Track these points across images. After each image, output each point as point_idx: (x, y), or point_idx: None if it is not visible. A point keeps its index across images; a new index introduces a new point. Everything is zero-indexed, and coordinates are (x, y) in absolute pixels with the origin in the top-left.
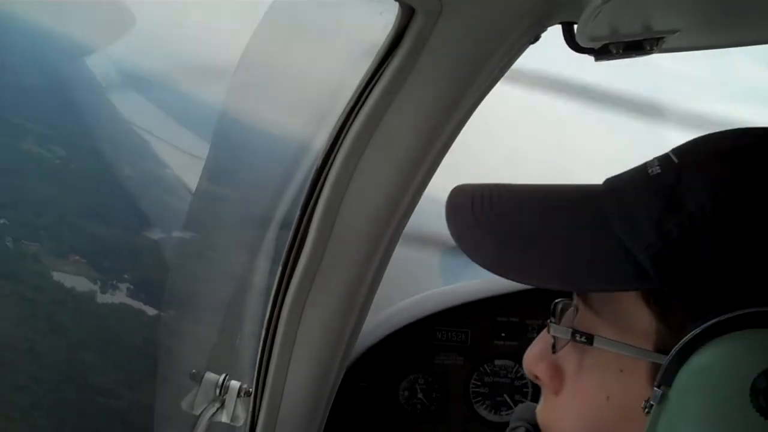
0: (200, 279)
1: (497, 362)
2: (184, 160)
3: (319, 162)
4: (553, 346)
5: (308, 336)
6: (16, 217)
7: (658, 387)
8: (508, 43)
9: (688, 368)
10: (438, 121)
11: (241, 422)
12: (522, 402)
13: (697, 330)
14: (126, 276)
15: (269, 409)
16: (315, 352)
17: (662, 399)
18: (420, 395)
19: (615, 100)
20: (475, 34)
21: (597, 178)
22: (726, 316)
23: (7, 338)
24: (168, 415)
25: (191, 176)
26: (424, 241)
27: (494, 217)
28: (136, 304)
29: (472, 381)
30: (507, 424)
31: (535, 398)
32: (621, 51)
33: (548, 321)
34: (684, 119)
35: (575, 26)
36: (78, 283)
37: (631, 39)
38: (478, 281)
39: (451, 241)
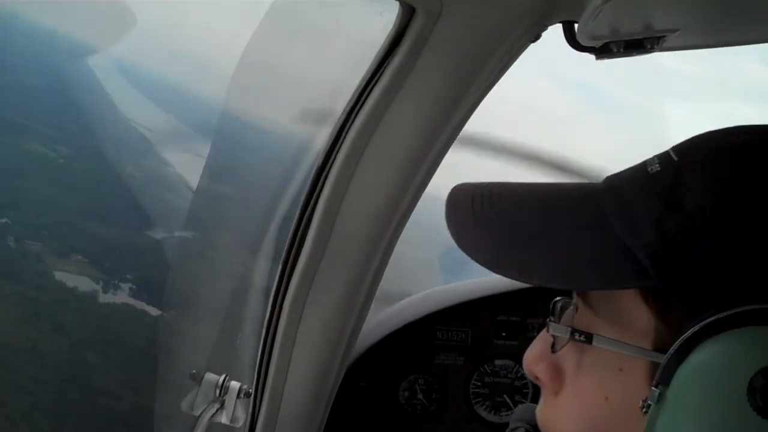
0: (201, 279)
1: (497, 362)
2: (185, 159)
3: (319, 161)
4: (553, 346)
5: (308, 336)
6: (18, 217)
7: (656, 386)
8: (509, 43)
9: (685, 367)
10: (438, 120)
11: (240, 423)
12: (522, 402)
13: (695, 328)
14: (128, 276)
15: (269, 410)
16: (315, 352)
17: (660, 398)
18: (420, 395)
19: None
20: (475, 33)
21: (597, 178)
22: (723, 314)
23: (8, 338)
24: (168, 416)
25: (193, 176)
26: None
27: (494, 216)
28: (139, 304)
29: (473, 381)
30: (507, 424)
31: (536, 399)
32: (622, 50)
33: (548, 320)
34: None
35: (576, 25)
36: (80, 282)
37: (631, 38)
38: (478, 280)
39: (451, 240)
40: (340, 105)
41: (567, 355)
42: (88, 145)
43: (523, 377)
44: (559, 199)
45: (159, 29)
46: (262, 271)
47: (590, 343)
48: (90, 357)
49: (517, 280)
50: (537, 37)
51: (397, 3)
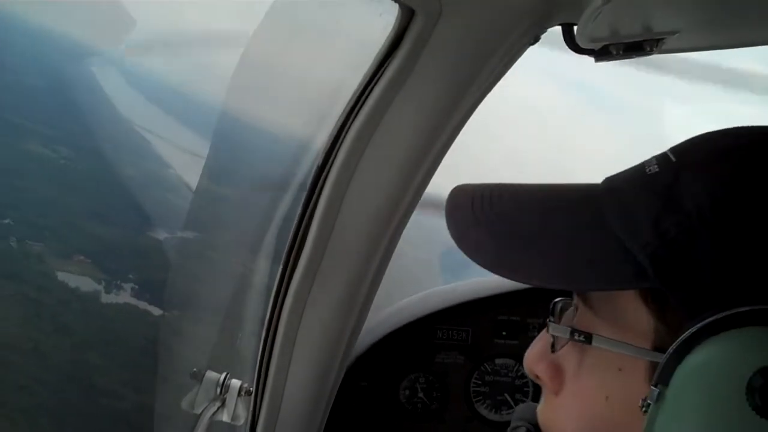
0: (202, 279)
1: (498, 361)
2: (186, 160)
3: (319, 162)
4: (553, 346)
5: (308, 335)
6: (21, 218)
7: (655, 386)
8: (508, 44)
9: (684, 367)
10: (438, 121)
11: (241, 421)
12: (522, 401)
13: (694, 328)
14: (130, 276)
15: (270, 409)
16: (315, 351)
17: (659, 398)
18: (420, 394)
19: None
20: (474, 34)
21: (597, 178)
22: (722, 315)
23: (10, 338)
24: (169, 414)
25: (194, 176)
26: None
27: (494, 217)
28: (140, 304)
29: (473, 380)
30: (507, 423)
31: (536, 397)
32: (621, 52)
33: (547, 320)
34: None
35: (575, 27)
36: (82, 283)
37: (631, 40)
38: (478, 280)
39: (452, 240)
40: (340, 105)
41: (567, 355)
42: (90, 146)
43: (523, 376)
44: (558, 200)
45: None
46: (263, 271)
47: (590, 343)
48: (92, 357)
49: (516, 280)
50: (536, 39)
51: (397, 4)
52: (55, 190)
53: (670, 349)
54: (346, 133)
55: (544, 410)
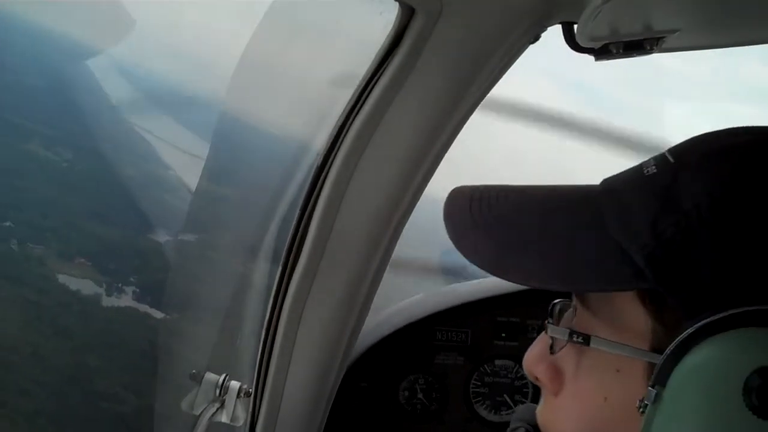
0: (202, 279)
1: (497, 362)
2: (186, 160)
3: (319, 161)
4: (551, 347)
5: (308, 336)
6: (21, 219)
7: (653, 387)
8: (508, 43)
9: (682, 367)
10: (438, 120)
11: (240, 422)
12: (522, 402)
13: (691, 329)
14: (131, 278)
15: (269, 410)
16: (315, 352)
17: (656, 399)
18: (420, 395)
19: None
20: (475, 33)
21: (596, 178)
22: (719, 315)
23: (11, 341)
24: (168, 416)
25: (194, 177)
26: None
27: (493, 219)
28: (141, 307)
29: (472, 381)
30: (507, 424)
31: (536, 398)
32: (621, 51)
33: (546, 322)
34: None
35: (575, 26)
36: (83, 285)
37: (631, 39)
38: (478, 281)
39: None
40: (339, 105)
41: (566, 356)
42: (91, 147)
43: (523, 377)
44: (557, 201)
45: (159, 30)
46: (263, 272)
47: (588, 344)
48: (92, 360)
49: (515, 282)
50: (536, 38)
51: (397, 3)
52: (56, 192)
53: (668, 350)
54: (346, 132)
55: (543, 411)
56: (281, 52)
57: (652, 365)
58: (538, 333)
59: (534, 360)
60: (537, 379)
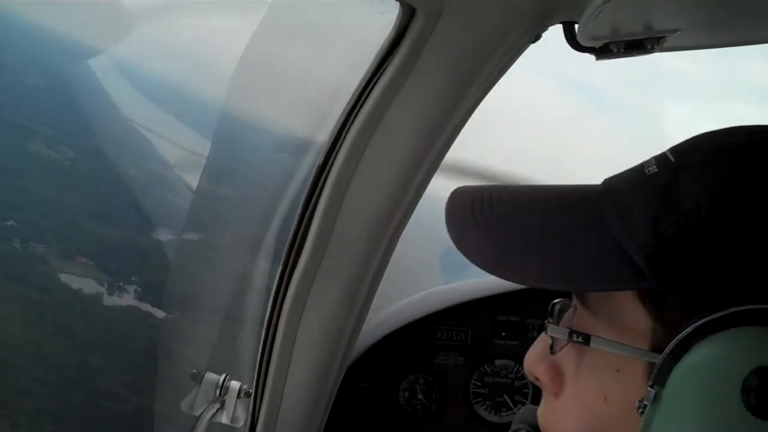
0: (202, 279)
1: (497, 362)
2: (187, 160)
3: (319, 161)
4: (552, 347)
5: (308, 336)
6: (22, 219)
7: (652, 386)
8: (509, 43)
9: (680, 367)
10: (438, 120)
11: (241, 423)
12: (522, 402)
13: (690, 329)
14: (133, 278)
15: (269, 410)
16: (315, 352)
17: (656, 398)
18: (420, 395)
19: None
20: (475, 33)
21: (597, 178)
22: (718, 315)
23: (13, 340)
24: (169, 416)
25: (196, 177)
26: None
27: (494, 219)
28: (144, 306)
29: (473, 381)
30: (507, 424)
31: (536, 399)
32: (622, 50)
33: (546, 322)
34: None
35: (576, 25)
36: (85, 284)
37: (632, 38)
38: (478, 280)
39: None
40: (340, 105)
41: (567, 356)
42: (93, 147)
43: (523, 377)
44: (558, 201)
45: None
46: (263, 271)
47: (588, 344)
48: (94, 359)
49: (516, 282)
50: (537, 38)
51: (398, 3)
52: (58, 191)
53: (667, 350)
54: (347, 132)
55: (544, 412)
56: (281, 52)
57: (652, 365)
58: (539, 332)
59: (534, 360)
60: (537, 379)
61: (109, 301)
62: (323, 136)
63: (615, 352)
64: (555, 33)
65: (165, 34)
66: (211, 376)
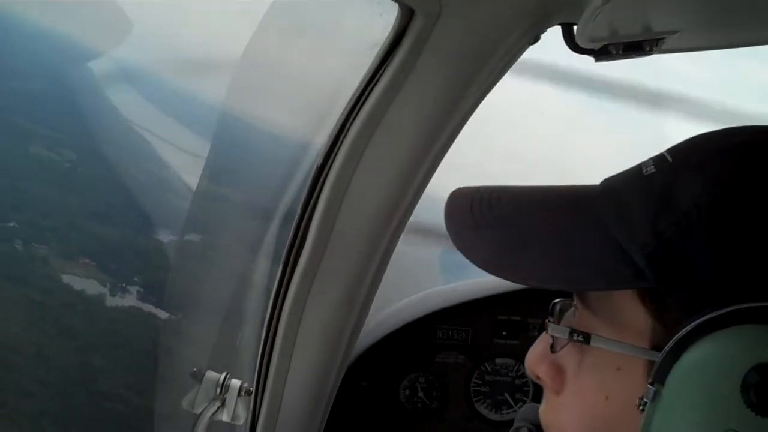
0: (203, 279)
1: (498, 361)
2: (188, 161)
3: (319, 161)
4: (552, 346)
5: (308, 336)
6: (25, 220)
7: (652, 384)
8: (508, 44)
9: (680, 365)
10: (438, 121)
11: (241, 421)
12: (523, 401)
13: (689, 327)
14: (135, 278)
15: (270, 408)
16: (315, 351)
17: (656, 396)
18: (421, 394)
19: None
20: (474, 34)
21: (597, 178)
22: (717, 313)
23: (15, 341)
24: (169, 414)
25: (196, 177)
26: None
27: (493, 219)
28: (146, 307)
29: (473, 380)
30: (507, 423)
31: (536, 397)
32: (621, 52)
33: (546, 321)
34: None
35: (575, 27)
36: (87, 285)
37: (630, 40)
38: (478, 280)
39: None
40: (339, 105)
41: (568, 355)
42: (94, 149)
43: (523, 376)
44: (557, 201)
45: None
46: (263, 271)
47: (588, 343)
48: (96, 360)
49: (516, 282)
50: (536, 39)
51: (396, 4)
52: (59, 192)
53: (667, 347)
54: (346, 133)
55: (545, 411)
56: (281, 53)
57: (652, 363)
58: (539, 331)
59: (536, 359)
60: (539, 378)
61: (111, 301)
62: (323, 136)
63: (615, 350)
64: (554, 33)
65: (165, 35)
66: (211, 374)
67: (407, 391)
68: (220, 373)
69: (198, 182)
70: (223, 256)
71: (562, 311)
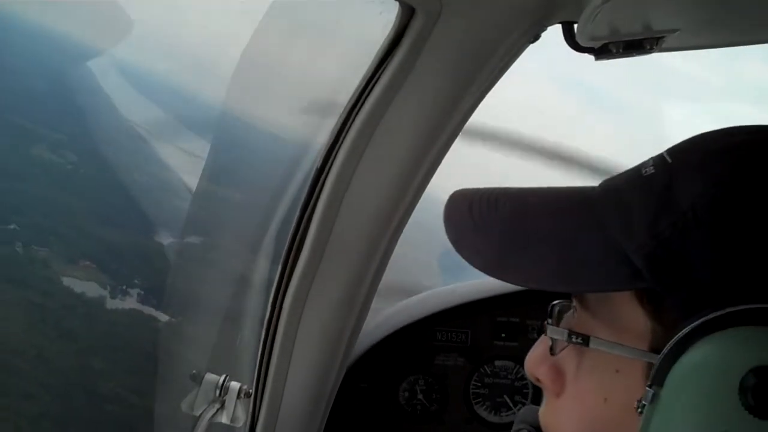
0: (203, 281)
1: (497, 363)
2: (188, 161)
3: (319, 161)
4: (552, 348)
5: (308, 336)
6: (26, 222)
7: (650, 386)
8: (508, 43)
9: (679, 367)
10: (438, 120)
11: (241, 423)
12: (522, 403)
13: (687, 329)
14: (134, 281)
15: (269, 410)
16: (315, 352)
17: (654, 398)
18: (420, 396)
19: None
20: (474, 33)
21: (596, 179)
22: (715, 314)
23: (15, 343)
24: (169, 417)
25: (196, 178)
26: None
27: (492, 222)
28: (146, 309)
29: (472, 382)
30: (507, 425)
31: (536, 399)
32: (621, 50)
33: (545, 323)
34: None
35: (575, 26)
36: (87, 288)
37: (631, 38)
38: (477, 281)
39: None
40: (339, 105)
41: (567, 357)
42: (95, 151)
43: (523, 378)
44: (556, 203)
45: (160, 31)
46: (263, 272)
47: (587, 345)
48: (96, 362)
49: (515, 284)
50: (536, 38)
51: (397, 3)
52: (60, 194)
53: (665, 350)
54: (347, 132)
55: (545, 413)
56: (281, 52)
57: (651, 365)
58: (538, 333)
59: (535, 361)
60: (538, 380)
61: (111, 304)
62: (323, 136)
63: (614, 352)
64: (554, 33)
65: (165, 36)
66: (211, 376)
67: (407, 393)
68: (220, 375)
69: (198, 183)
70: (222, 257)
71: (561, 313)
